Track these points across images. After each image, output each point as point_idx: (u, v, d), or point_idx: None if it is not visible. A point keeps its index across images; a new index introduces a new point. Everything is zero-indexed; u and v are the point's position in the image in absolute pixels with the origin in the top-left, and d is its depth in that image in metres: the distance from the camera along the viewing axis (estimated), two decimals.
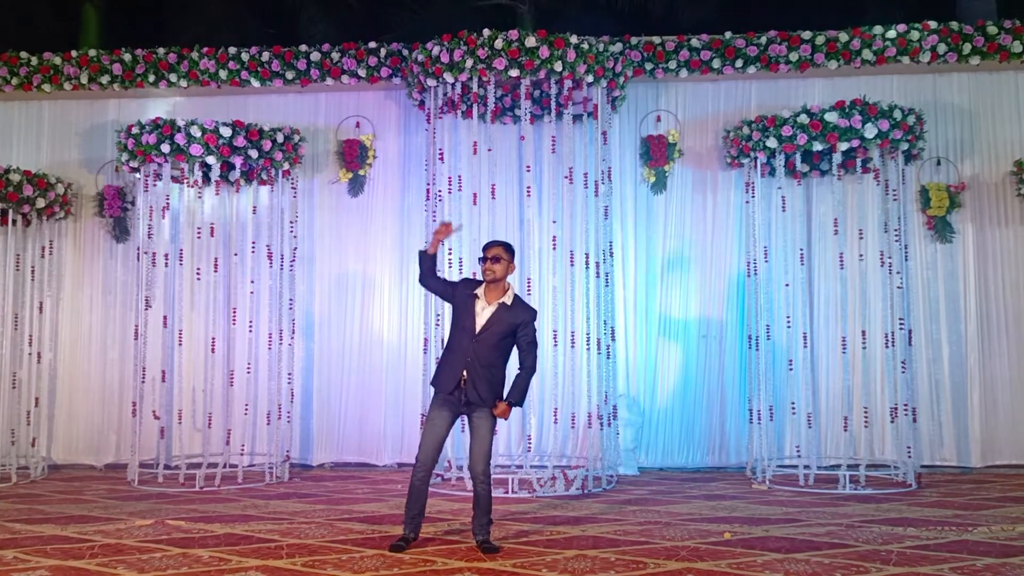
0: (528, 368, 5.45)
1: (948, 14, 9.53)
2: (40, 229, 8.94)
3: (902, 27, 8.78)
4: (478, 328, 5.34)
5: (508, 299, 5.40)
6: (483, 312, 5.37)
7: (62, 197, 8.89)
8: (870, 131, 7.64)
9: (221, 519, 6.40)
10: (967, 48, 8.73)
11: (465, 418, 5.63)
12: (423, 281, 5.64)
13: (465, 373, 5.30)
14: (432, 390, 5.55)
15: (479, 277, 5.54)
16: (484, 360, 5.31)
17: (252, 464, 8.54)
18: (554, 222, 8.06)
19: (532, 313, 5.51)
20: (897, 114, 7.73)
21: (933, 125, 8.79)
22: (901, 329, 7.89)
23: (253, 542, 5.62)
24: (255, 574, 4.82)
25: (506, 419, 5.52)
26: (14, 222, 8.54)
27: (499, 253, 5.41)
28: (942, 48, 8.74)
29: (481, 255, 5.48)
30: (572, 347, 7.84)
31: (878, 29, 8.81)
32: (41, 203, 8.54)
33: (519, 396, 5.44)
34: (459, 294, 5.50)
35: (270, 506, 6.96)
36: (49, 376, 9.13)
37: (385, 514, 6.53)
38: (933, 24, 8.78)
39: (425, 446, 5.34)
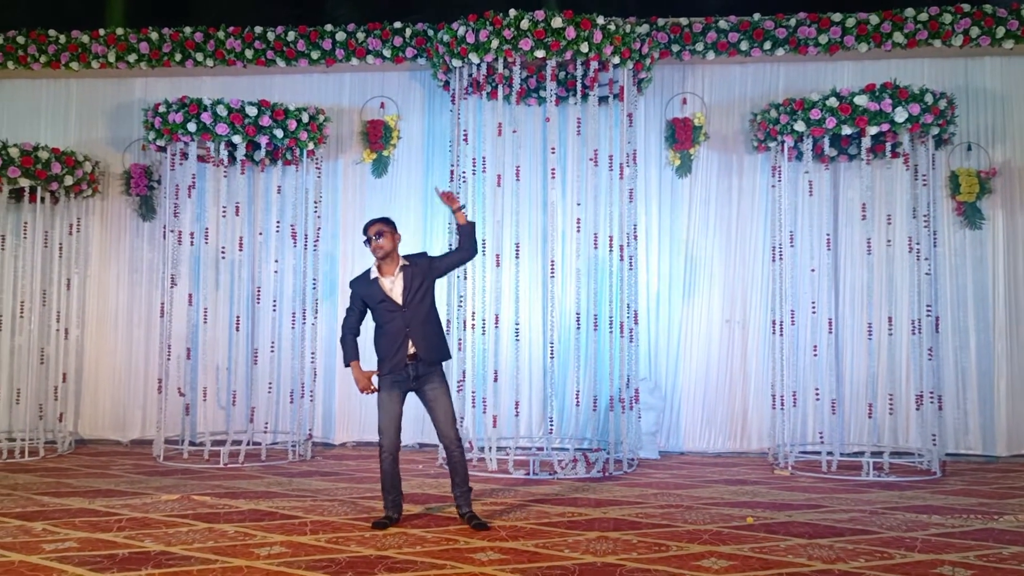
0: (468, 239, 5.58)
1: None
2: (68, 207, 9.02)
3: (934, 10, 8.65)
4: (401, 300, 5.41)
5: (405, 261, 5.50)
6: (394, 285, 5.44)
7: (90, 175, 8.96)
8: (900, 115, 7.54)
9: (245, 495, 6.47)
10: (1000, 31, 8.60)
11: (419, 395, 5.57)
12: (355, 337, 5.59)
13: (410, 343, 5.36)
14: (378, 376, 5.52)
15: (371, 261, 5.59)
16: (421, 319, 5.41)
17: (275, 442, 8.61)
18: (578, 204, 8.02)
19: (424, 254, 5.72)
20: (928, 98, 7.62)
21: (964, 110, 8.66)
22: (928, 316, 7.81)
23: (277, 518, 5.67)
24: (280, 549, 4.87)
25: (452, 201, 5.59)
26: (42, 200, 8.62)
27: (380, 228, 5.48)
28: (975, 31, 8.61)
29: (364, 237, 5.51)
30: (595, 330, 7.83)
31: (909, 11, 8.68)
32: (69, 181, 8.61)
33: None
34: (364, 294, 5.52)
35: (293, 483, 7.02)
36: (76, 352, 9.23)
37: (407, 493, 6.55)
38: (966, 7, 8.63)
39: (387, 431, 5.43)
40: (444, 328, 5.70)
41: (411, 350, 5.37)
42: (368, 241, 5.48)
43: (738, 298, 8.93)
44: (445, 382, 5.50)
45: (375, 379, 5.52)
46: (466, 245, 5.58)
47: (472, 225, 5.60)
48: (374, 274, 5.51)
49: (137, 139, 9.36)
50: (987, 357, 8.63)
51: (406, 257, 5.55)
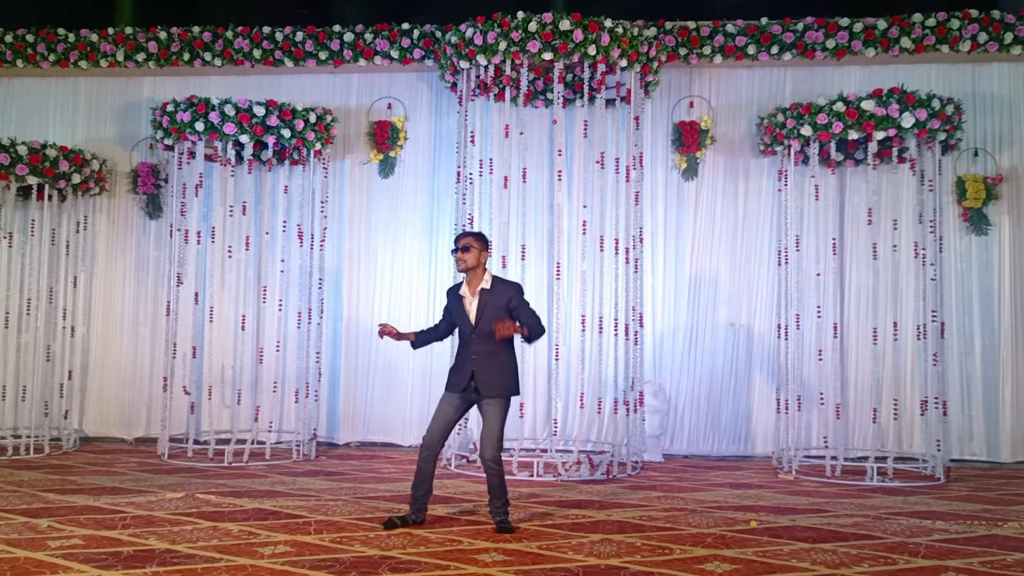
0: (535, 325, 5.39)
1: (989, 2, 9.36)
2: (75, 204, 9.05)
3: (942, 15, 8.64)
4: (473, 320, 5.41)
5: (487, 283, 5.43)
6: (472, 305, 5.44)
7: (97, 173, 8.99)
8: (907, 120, 7.54)
9: (250, 494, 6.48)
10: (1008, 37, 8.59)
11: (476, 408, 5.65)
12: (441, 338, 5.74)
13: (473, 369, 5.36)
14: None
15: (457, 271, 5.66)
16: (487, 349, 5.36)
17: (280, 441, 8.63)
18: (584, 207, 8.02)
19: (516, 286, 5.53)
20: (935, 103, 7.61)
21: (971, 115, 8.66)
22: (934, 321, 7.80)
23: (281, 517, 5.68)
24: (284, 548, 4.88)
25: (510, 334, 5.27)
26: (50, 197, 8.65)
27: (469, 242, 5.44)
28: (982, 37, 8.60)
29: (453, 247, 5.54)
30: (600, 332, 7.83)
31: (917, 17, 8.67)
32: (76, 179, 8.64)
33: (532, 327, 5.36)
34: (452, 306, 5.57)
35: (297, 483, 7.03)
36: (82, 350, 9.26)
37: (411, 493, 6.56)
38: (974, 12, 8.63)
39: (432, 428, 5.44)
40: (517, 363, 5.57)
41: (471, 376, 5.37)
42: (454, 252, 5.49)
43: (743, 302, 8.93)
44: (503, 402, 5.40)
45: (395, 340, 5.55)
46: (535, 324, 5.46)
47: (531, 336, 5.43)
48: (463, 290, 5.52)
49: (145, 138, 9.39)
50: (992, 363, 8.62)
51: (496, 279, 5.51)
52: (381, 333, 5.53)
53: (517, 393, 5.54)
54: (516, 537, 5.23)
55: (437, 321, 5.81)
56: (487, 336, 5.33)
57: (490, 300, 5.41)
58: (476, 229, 5.82)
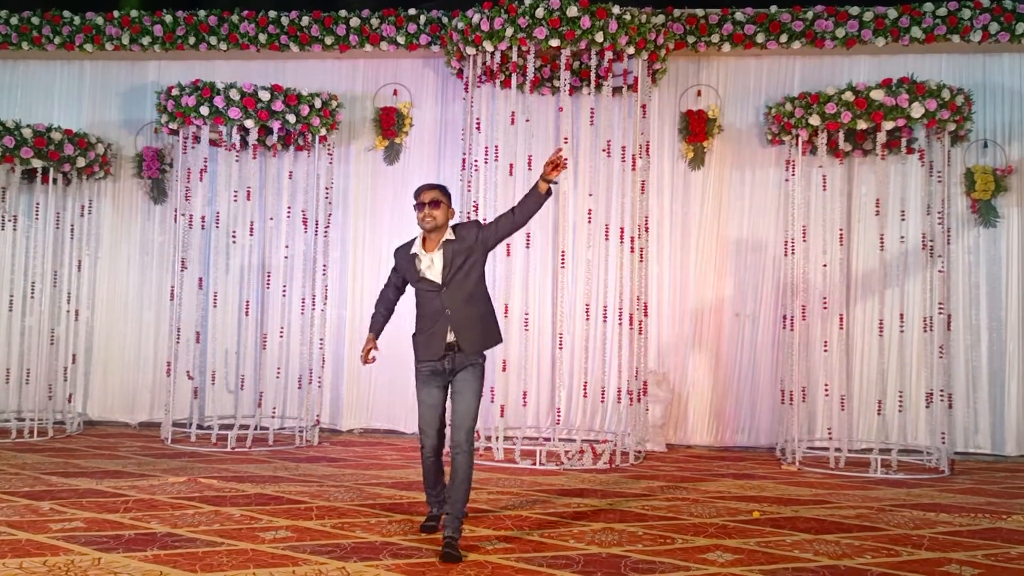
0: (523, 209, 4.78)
1: None
2: (80, 188, 9.03)
3: (953, 4, 8.55)
4: (440, 278, 4.73)
5: (449, 235, 4.76)
6: (433, 263, 4.75)
7: (102, 157, 8.97)
8: (916, 110, 7.47)
9: (252, 479, 6.48)
10: (1020, 28, 8.49)
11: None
12: (393, 306, 5.12)
13: (449, 329, 4.71)
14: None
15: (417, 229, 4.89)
16: (463, 298, 4.73)
17: (283, 427, 8.63)
18: (590, 195, 7.99)
19: (475, 222, 4.97)
20: (945, 94, 7.55)
21: (981, 106, 8.58)
22: (940, 314, 7.76)
23: (283, 503, 5.68)
24: (285, 533, 4.88)
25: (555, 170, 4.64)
26: (55, 181, 8.64)
27: (437, 196, 4.72)
28: (994, 27, 8.51)
29: (415, 201, 4.77)
30: (604, 321, 7.81)
31: (928, 6, 8.59)
32: (81, 162, 8.62)
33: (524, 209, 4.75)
34: (402, 267, 4.91)
35: (300, 469, 7.04)
36: (86, 334, 9.26)
37: (413, 480, 6.57)
38: (985, 2, 8.53)
39: (427, 429, 4.83)
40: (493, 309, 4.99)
41: (450, 337, 4.71)
42: (420, 207, 4.73)
43: (749, 292, 8.89)
44: (478, 376, 4.76)
45: (374, 354, 5.01)
46: (523, 212, 4.75)
47: (549, 195, 4.72)
48: (415, 248, 4.83)
49: (150, 122, 9.36)
50: (999, 356, 8.57)
51: (454, 228, 4.81)
52: (365, 360, 5.05)
53: (500, 340, 4.96)
54: (517, 525, 5.22)
55: (381, 290, 5.13)
56: (460, 284, 4.72)
57: (458, 248, 4.73)
58: (443, 184, 5.00)
